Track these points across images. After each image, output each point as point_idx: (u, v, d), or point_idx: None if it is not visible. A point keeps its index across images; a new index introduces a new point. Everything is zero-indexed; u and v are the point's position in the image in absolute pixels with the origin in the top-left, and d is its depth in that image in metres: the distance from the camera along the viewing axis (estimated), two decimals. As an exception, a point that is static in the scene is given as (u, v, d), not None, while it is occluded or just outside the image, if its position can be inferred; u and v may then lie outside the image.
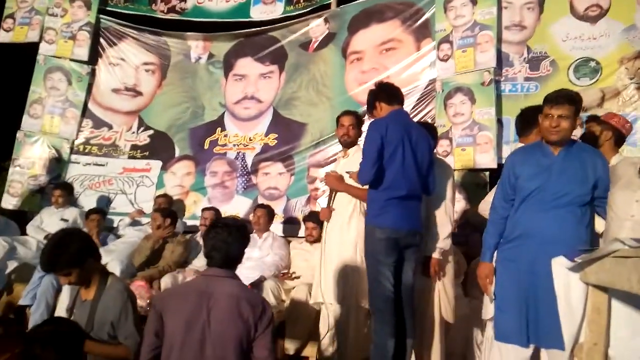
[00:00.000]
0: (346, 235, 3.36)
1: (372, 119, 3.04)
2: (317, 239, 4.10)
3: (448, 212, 3.18)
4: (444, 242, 3.12)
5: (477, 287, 2.89)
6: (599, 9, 4.20)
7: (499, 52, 4.45)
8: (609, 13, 4.15)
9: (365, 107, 3.41)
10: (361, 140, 3.25)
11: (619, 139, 2.92)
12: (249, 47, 5.72)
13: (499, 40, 4.47)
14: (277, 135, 5.39)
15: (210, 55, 5.87)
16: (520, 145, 2.91)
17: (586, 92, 4.19)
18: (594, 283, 2.16)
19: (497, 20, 4.44)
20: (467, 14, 4.58)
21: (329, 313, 3.35)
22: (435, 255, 3.11)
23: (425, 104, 4.78)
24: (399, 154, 2.86)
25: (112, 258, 4.20)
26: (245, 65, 5.71)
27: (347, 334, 3.30)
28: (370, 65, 5.11)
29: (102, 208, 5.21)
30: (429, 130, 3.22)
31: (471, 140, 4.38)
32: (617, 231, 2.35)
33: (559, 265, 2.31)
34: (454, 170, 4.33)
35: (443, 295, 3.20)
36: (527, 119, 2.95)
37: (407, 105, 4.68)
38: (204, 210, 4.89)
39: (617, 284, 1.98)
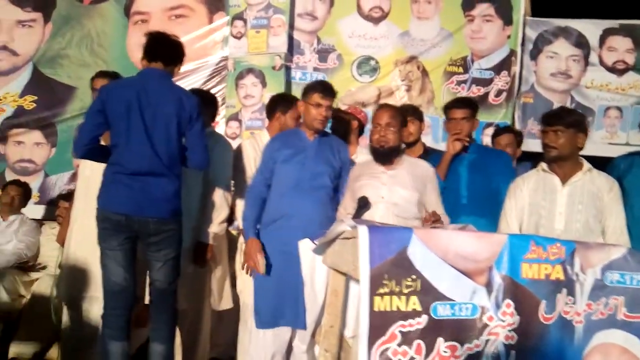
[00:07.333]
0: None
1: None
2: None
3: (225, 195, 2.94)
4: (218, 227, 2.89)
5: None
6: (381, 11, 4.48)
7: (290, 39, 4.44)
8: (389, 17, 4.46)
9: None
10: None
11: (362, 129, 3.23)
12: (5, -14, 4.61)
13: (292, 26, 4.45)
14: (36, 98, 4.52)
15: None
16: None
17: (365, 89, 4.50)
18: (330, 266, 2.10)
19: (290, 6, 4.41)
20: (262, -7, 4.45)
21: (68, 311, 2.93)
22: (208, 241, 2.86)
23: (216, 81, 4.51)
24: (124, 122, 2.43)
25: None
26: (-1, 7, 4.60)
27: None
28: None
29: None
30: (204, 99, 2.87)
31: (260, 124, 4.28)
32: (372, 213, 2.45)
33: (305, 249, 2.25)
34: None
35: (214, 283, 2.99)
36: (271, 105, 3.20)
37: (197, 81, 4.40)
38: None
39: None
